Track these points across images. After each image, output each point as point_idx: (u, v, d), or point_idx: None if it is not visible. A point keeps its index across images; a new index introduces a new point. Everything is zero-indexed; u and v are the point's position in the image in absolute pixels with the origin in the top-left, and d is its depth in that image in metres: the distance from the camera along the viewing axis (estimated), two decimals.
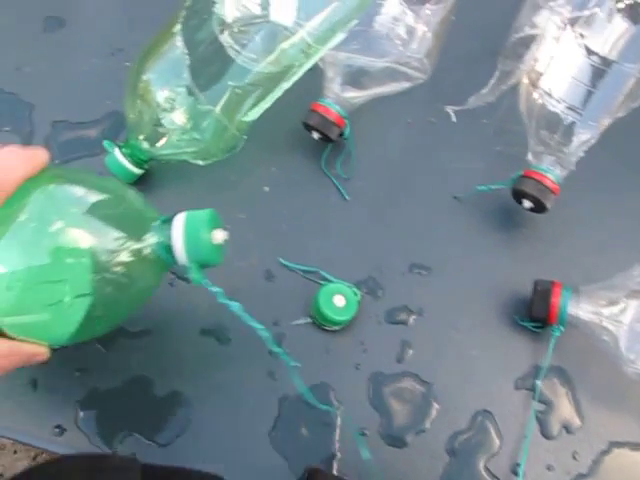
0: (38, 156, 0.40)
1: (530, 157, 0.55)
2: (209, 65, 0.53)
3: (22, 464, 1.18)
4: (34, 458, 1.18)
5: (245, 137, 0.55)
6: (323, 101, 0.57)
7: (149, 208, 0.42)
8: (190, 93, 0.52)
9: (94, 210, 0.39)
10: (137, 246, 0.39)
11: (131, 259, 0.39)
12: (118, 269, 0.39)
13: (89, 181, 0.41)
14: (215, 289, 0.41)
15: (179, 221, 0.40)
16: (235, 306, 0.41)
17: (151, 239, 0.40)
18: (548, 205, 0.53)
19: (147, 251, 0.40)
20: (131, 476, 0.37)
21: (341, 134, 0.58)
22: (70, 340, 0.41)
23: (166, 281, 0.54)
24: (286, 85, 0.53)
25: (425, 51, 0.59)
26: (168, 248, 0.40)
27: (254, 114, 0.54)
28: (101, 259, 0.38)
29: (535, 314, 0.52)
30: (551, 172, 0.54)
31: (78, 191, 0.40)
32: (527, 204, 0.54)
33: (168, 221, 0.40)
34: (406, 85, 0.59)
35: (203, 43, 0.53)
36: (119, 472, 0.37)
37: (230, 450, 0.50)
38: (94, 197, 0.40)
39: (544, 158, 0.54)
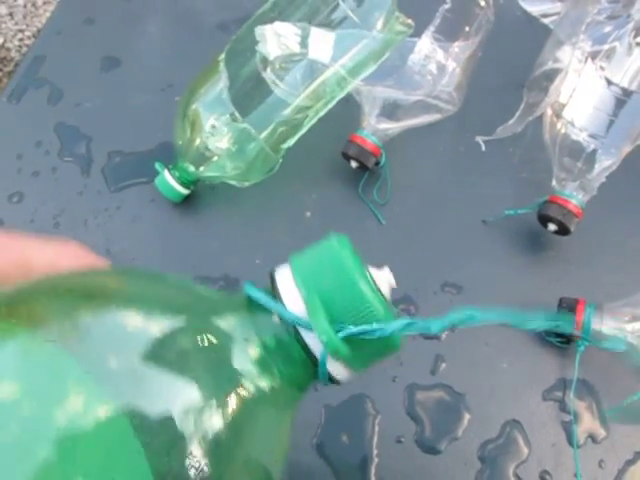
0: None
1: (554, 183, 0.58)
2: (252, 98, 0.58)
3: None
4: None
5: (281, 160, 0.60)
6: (361, 132, 0.61)
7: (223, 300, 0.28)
8: (234, 120, 0.57)
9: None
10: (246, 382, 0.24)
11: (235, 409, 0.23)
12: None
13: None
14: None
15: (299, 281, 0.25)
16: None
17: (256, 347, 0.25)
18: (572, 228, 0.57)
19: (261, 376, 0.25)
20: None
21: (377, 163, 0.62)
22: None
23: None
24: (321, 114, 0.58)
25: (454, 85, 0.64)
26: (296, 340, 0.25)
27: (292, 141, 0.59)
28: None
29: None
30: (574, 197, 0.57)
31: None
32: (552, 227, 0.58)
33: (269, 293, 0.26)
34: (437, 117, 0.64)
35: (247, 78, 0.59)
36: None
37: None
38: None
39: (568, 184, 0.58)
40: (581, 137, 0.60)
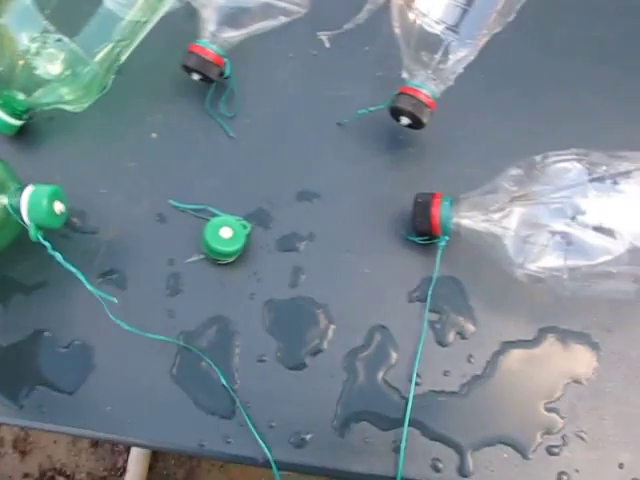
0: None
1: (405, 74, 0.55)
2: (79, 13, 0.53)
3: None
4: None
5: (114, 76, 0.55)
6: (200, 42, 0.57)
7: (12, 177, 0.51)
8: (48, 38, 0.52)
9: None
10: None
11: None
12: None
13: None
14: (46, 243, 0.48)
15: (27, 191, 0.48)
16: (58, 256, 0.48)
17: (4, 200, 0.48)
18: (424, 119, 0.54)
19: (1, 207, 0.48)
20: None
21: (221, 74, 0.58)
22: None
23: (59, 234, 0.54)
24: (150, 26, 0.54)
25: None
26: (17, 210, 0.48)
27: (125, 56, 0.54)
28: None
29: (418, 226, 0.52)
30: (425, 87, 0.54)
31: None
32: (404, 121, 0.55)
33: (21, 189, 0.48)
34: (284, 20, 0.60)
35: None
36: None
37: (135, 390, 0.51)
38: None
39: (418, 74, 0.55)
40: (435, 29, 0.57)
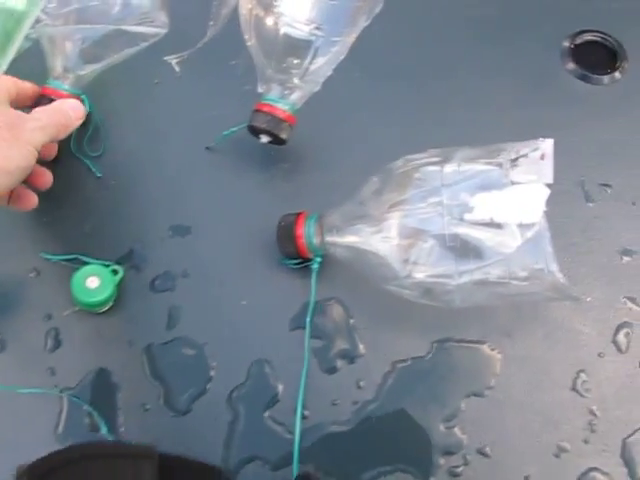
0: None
1: (261, 89, 0.52)
2: None
3: None
4: None
5: None
6: (51, 83, 0.54)
7: None
8: None
9: None
10: None
11: None
12: None
13: None
14: None
15: None
16: None
17: None
18: (283, 136, 0.51)
19: None
20: (150, 463, 0.37)
21: None
22: None
23: None
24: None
25: (155, 4, 0.56)
26: None
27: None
28: None
29: (284, 250, 0.50)
30: (281, 101, 0.51)
31: None
32: (264, 139, 0.52)
33: None
34: (145, 45, 0.56)
35: None
36: (138, 459, 0.37)
37: (17, 455, 0.49)
38: None
39: (273, 87, 0.52)
40: (301, 31, 0.53)
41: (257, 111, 0.51)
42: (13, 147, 0.44)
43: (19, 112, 0.47)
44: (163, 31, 0.56)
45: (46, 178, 0.52)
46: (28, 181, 0.50)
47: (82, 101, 0.54)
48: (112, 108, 0.58)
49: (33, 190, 0.51)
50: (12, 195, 0.50)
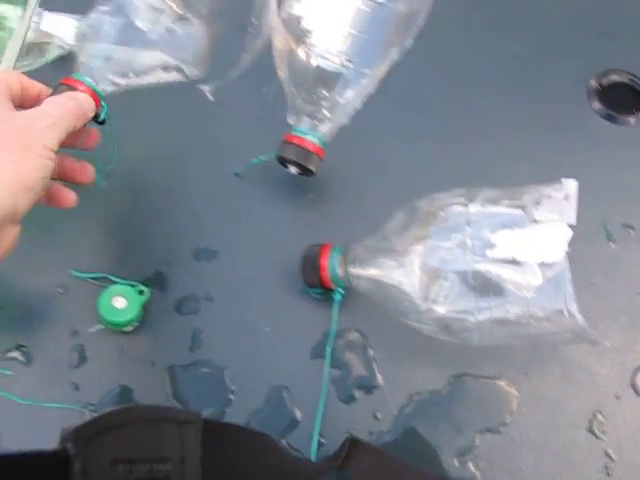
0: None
1: (289, 119, 0.53)
2: None
3: None
4: None
5: None
6: (74, 75, 0.51)
7: None
8: None
9: None
10: None
11: None
12: None
13: None
14: None
15: None
16: None
17: None
18: (312, 168, 0.52)
19: None
20: (194, 427, 0.37)
21: (96, 117, 0.51)
22: None
23: None
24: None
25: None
26: None
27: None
28: None
29: (307, 281, 0.51)
30: (311, 133, 0.52)
31: None
32: (293, 170, 0.53)
33: None
34: (177, 77, 0.57)
35: None
36: (184, 424, 0.37)
37: None
38: None
39: (305, 119, 0.53)
40: (332, 62, 0.54)
41: (286, 142, 0.52)
42: (26, 158, 0.40)
43: (23, 112, 0.42)
44: (198, 74, 0.57)
45: (87, 170, 0.49)
46: (67, 178, 0.48)
47: (101, 105, 0.51)
48: (141, 130, 0.59)
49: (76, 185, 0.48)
50: (48, 195, 0.47)
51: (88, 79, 0.51)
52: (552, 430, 0.50)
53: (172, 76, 0.58)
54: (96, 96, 0.51)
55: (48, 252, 0.56)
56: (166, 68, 0.58)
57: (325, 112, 0.53)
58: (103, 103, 0.51)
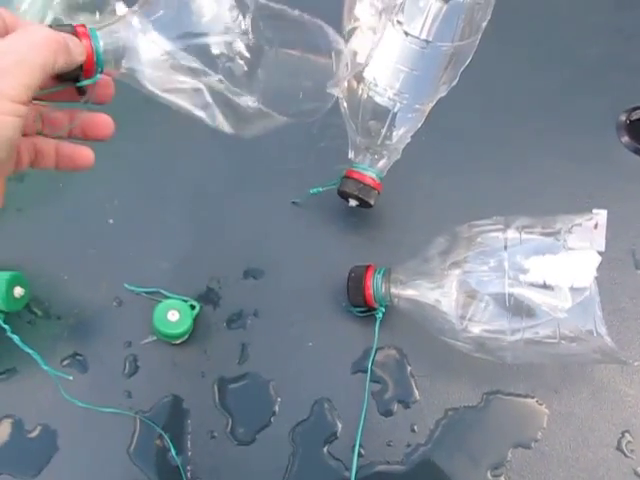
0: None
1: (351, 155, 0.57)
2: None
3: None
4: None
5: None
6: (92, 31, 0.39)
7: None
8: None
9: None
10: None
11: None
12: None
13: None
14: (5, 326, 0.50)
15: None
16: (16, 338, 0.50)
17: None
18: (371, 202, 0.55)
19: None
20: None
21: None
22: None
23: (25, 320, 0.58)
24: None
25: None
26: None
27: None
28: None
29: (352, 300, 0.54)
30: (371, 170, 0.56)
31: None
32: (353, 203, 0.57)
33: None
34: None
35: None
36: None
37: (94, 470, 0.53)
38: None
39: (364, 155, 0.56)
40: (385, 97, 0.57)
41: (348, 177, 0.55)
42: None
43: None
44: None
45: (104, 121, 0.40)
46: (81, 134, 0.40)
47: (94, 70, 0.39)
48: (199, 155, 0.63)
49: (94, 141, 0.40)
50: (59, 157, 0.40)
51: (100, 42, 0.39)
52: (582, 447, 0.52)
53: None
54: (93, 58, 0.38)
55: (103, 268, 0.60)
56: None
57: (381, 147, 0.57)
58: (98, 75, 0.39)
